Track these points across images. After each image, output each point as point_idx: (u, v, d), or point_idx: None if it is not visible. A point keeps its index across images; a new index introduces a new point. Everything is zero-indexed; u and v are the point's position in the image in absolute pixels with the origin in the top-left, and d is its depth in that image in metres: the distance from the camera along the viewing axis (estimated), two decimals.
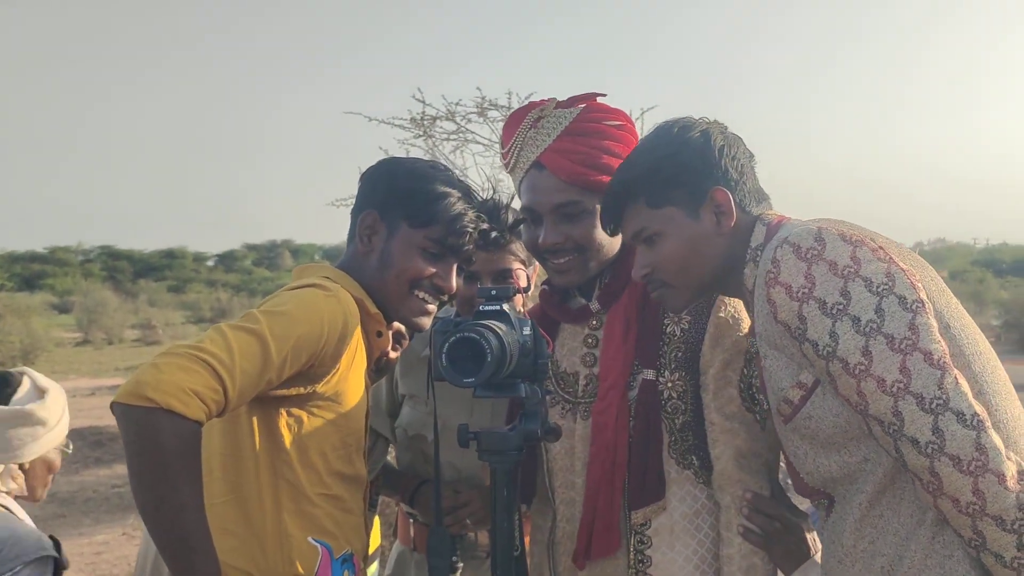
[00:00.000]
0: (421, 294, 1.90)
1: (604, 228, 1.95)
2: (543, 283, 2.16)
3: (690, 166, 1.77)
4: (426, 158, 2.03)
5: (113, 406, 1.46)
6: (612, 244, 2.01)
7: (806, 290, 1.54)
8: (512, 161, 2.04)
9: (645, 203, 1.79)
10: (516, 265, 2.31)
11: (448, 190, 1.89)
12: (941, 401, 1.44)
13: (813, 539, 1.90)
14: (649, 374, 1.96)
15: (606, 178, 1.94)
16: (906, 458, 1.48)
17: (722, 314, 1.95)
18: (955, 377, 1.47)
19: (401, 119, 7.62)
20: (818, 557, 1.89)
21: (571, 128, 1.98)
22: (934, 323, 1.51)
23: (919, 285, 1.54)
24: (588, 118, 1.99)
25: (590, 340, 2.05)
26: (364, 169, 2.00)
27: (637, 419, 1.95)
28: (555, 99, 2.01)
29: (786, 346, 1.61)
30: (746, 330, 1.94)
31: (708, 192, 1.76)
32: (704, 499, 1.95)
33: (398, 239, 1.88)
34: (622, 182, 1.83)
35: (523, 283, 2.29)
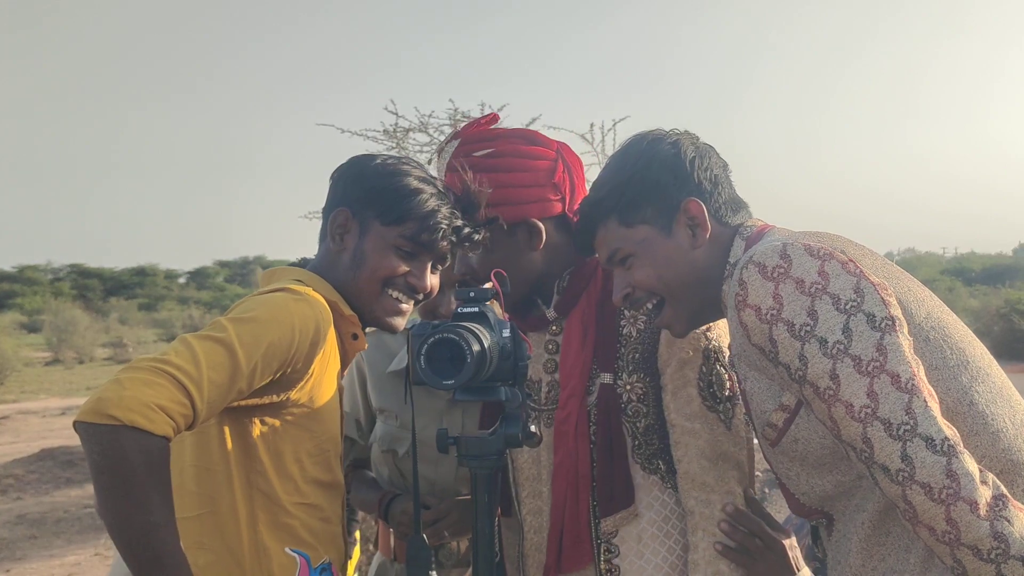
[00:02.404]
0: (395, 293, 1.85)
1: (578, 251, 1.92)
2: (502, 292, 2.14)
3: (661, 180, 1.73)
4: (399, 156, 1.98)
5: (76, 425, 1.40)
6: (522, 270, 1.97)
7: (774, 312, 1.48)
8: None
9: (617, 223, 1.75)
10: None
11: (421, 186, 1.85)
12: (909, 427, 1.38)
13: (796, 557, 1.87)
14: (607, 378, 1.93)
15: (482, 213, 1.90)
16: (880, 485, 1.43)
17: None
18: (924, 400, 1.40)
19: (374, 131, 7.63)
20: (803, 574, 1.86)
21: (450, 164, 1.97)
22: (905, 341, 1.45)
23: (891, 300, 1.48)
24: (460, 152, 1.97)
25: (551, 346, 2.02)
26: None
27: (598, 425, 1.92)
28: (457, 128, 1.98)
29: (766, 367, 1.56)
30: (703, 328, 1.91)
31: (680, 205, 1.72)
32: (672, 504, 1.92)
33: (371, 237, 1.83)
34: (592, 203, 1.79)
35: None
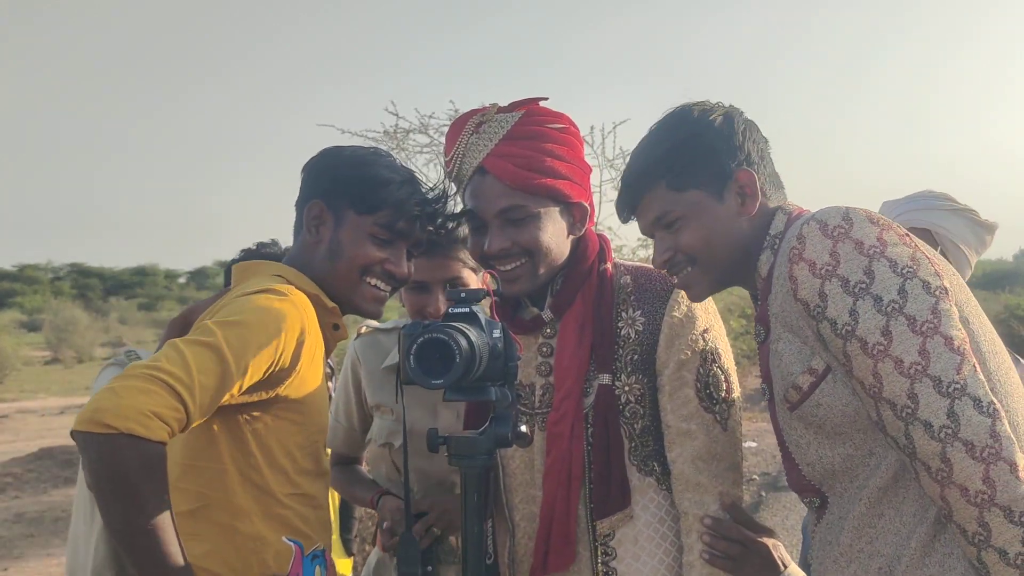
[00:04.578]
0: (373, 281, 1.88)
1: (619, 216, 1.90)
2: (493, 294, 2.14)
3: (714, 147, 1.74)
4: (368, 146, 2.02)
5: (73, 435, 1.43)
6: (561, 248, 1.98)
7: (830, 267, 1.51)
8: (455, 168, 2.01)
9: (667, 186, 1.75)
10: (466, 272, 2.30)
11: (392, 175, 1.88)
12: (959, 386, 1.42)
13: (781, 555, 1.88)
14: (605, 379, 1.93)
15: (550, 181, 1.93)
16: (916, 444, 1.45)
17: (676, 314, 1.93)
18: (974, 365, 1.44)
19: (375, 132, 7.64)
20: (791, 570, 1.88)
21: (512, 132, 1.95)
22: (956, 311, 1.50)
23: (943, 273, 1.53)
24: (529, 121, 1.97)
25: (544, 349, 2.02)
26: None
27: (595, 426, 1.92)
28: (496, 104, 1.99)
29: (801, 328, 1.59)
30: (701, 329, 1.93)
31: (733, 173, 1.74)
32: (668, 506, 1.93)
33: (347, 227, 1.86)
34: (642, 166, 1.78)
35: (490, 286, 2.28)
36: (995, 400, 1.43)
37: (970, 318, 1.56)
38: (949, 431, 1.41)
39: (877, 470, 1.56)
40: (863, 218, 1.54)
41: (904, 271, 1.49)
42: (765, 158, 1.79)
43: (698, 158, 1.74)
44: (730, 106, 1.81)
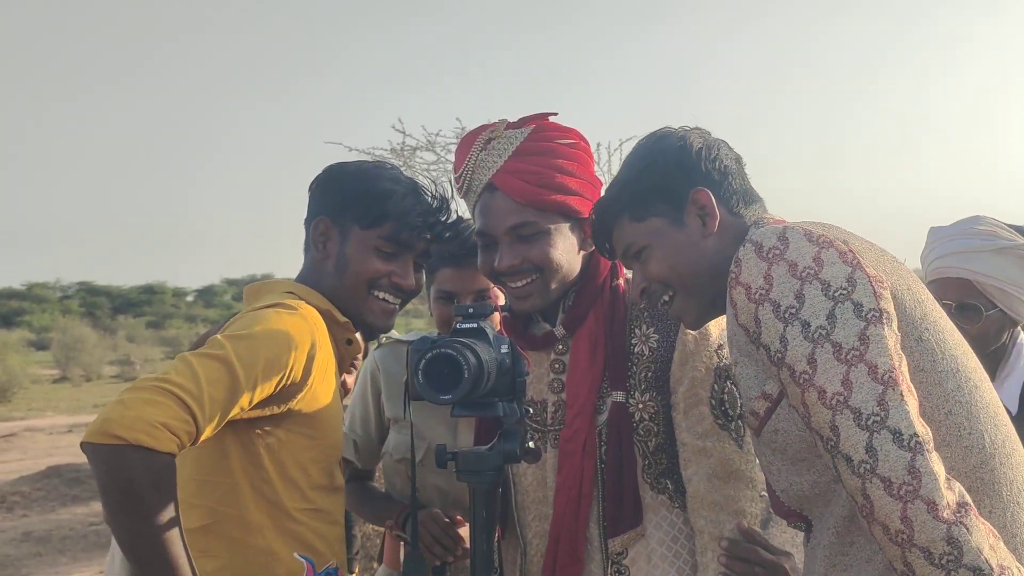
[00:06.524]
0: (381, 294, 1.89)
1: (600, 253, 1.93)
2: (504, 310, 2.11)
3: (668, 172, 1.72)
4: (372, 160, 2.02)
5: (83, 446, 1.44)
6: (572, 264, 1.96)
7: (763, 291, 1.45)
8: (465, 185, 2.00)
9: (629, 218, 1.75)
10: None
11: (394, 187, 1.89)
12: (878, 418, 1.33)
13: None
14: (619, 396, 1.92)
15: (560, 197, 1.92)
16: (843, 478, 1.38)
17: (690, 330, 1.91)
18: (900, 394, 1.35)
19: (382, 149, 7.68)
20: None
21: (522, 148, 1.94)
22: (891, 336, 1.41)
23: (883, 293, 1.43)
24: (539, 137, 1.96)
25: (556, 366, 2.01)
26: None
27: (609, 444, 1.91)
28: (505, 120, 1.98)
29: (751, 351, 1.53)
30: (715, 346, 1.92)
31: (689, 195, 1.70)
32: (681, 524, 1.92)
33: (352, 242, 1.87)
34: (606, 203, 1.81)
35: (501, 301, 2.26)
36: (921, 431, 1.34)
37: (925, 335, 1.48)
38: (868, 466, 1.32)
39: (841, 496, 1.50)
40: (800, 237, 1.48)
41: (836, 294, 1.41)
42: (730, 174, 1.75)
43: (652, 186, 1.73)
44: (692, 128, 1.80)
